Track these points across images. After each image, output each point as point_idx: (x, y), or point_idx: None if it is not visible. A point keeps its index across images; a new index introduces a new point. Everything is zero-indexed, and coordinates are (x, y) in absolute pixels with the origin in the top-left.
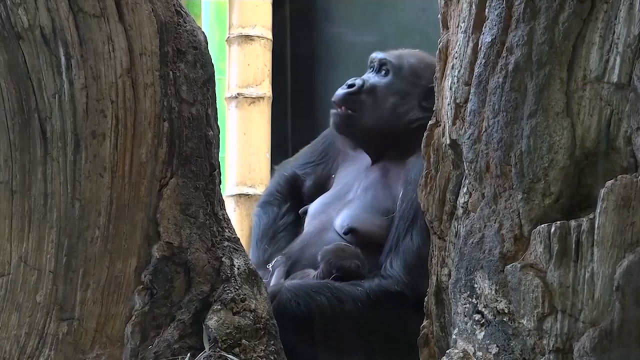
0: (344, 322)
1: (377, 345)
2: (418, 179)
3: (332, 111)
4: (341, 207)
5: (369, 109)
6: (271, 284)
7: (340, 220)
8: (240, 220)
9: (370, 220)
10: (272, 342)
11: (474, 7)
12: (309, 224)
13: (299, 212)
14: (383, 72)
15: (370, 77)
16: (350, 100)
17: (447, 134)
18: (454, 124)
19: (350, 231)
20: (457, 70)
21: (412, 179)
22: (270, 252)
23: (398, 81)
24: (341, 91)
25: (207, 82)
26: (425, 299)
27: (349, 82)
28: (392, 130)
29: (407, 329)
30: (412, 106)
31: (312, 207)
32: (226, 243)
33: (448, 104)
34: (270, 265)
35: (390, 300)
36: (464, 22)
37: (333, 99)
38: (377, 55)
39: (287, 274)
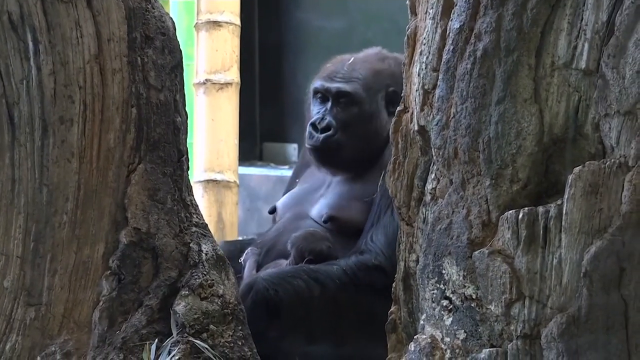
0: (323, 302)
1: (358, 324)
2: None
3: (310, 146)
4: (315, 199)
5: (349, 146)
6: (244, 277)
7: (318, 210)
8: (208, 206)
9: (350, 207)
10: (240, 327)
11: None
12: (281, 216)
13: (268, 211)
14: (342, 103)
15: (333, 112)
16: (328, 143)
17: (415, 120)
18: (422, 110)
19: (330, 219)
20: (425, 57)
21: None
22: None
23: (363, 106)
24: (320, 135)
25: (175, 68)
26: (394, 284)
27: (321, 124)
28: (372, 148)
29: (386, 304)
30: (382, 119)
31: (282, 202)
32: (194, 229)
33: (416, 90)
34: (242, 259)
35: (368, 275)
36: (432, 8)
37: (311, 146)
38: (330, 85)
39: (260, 266)
